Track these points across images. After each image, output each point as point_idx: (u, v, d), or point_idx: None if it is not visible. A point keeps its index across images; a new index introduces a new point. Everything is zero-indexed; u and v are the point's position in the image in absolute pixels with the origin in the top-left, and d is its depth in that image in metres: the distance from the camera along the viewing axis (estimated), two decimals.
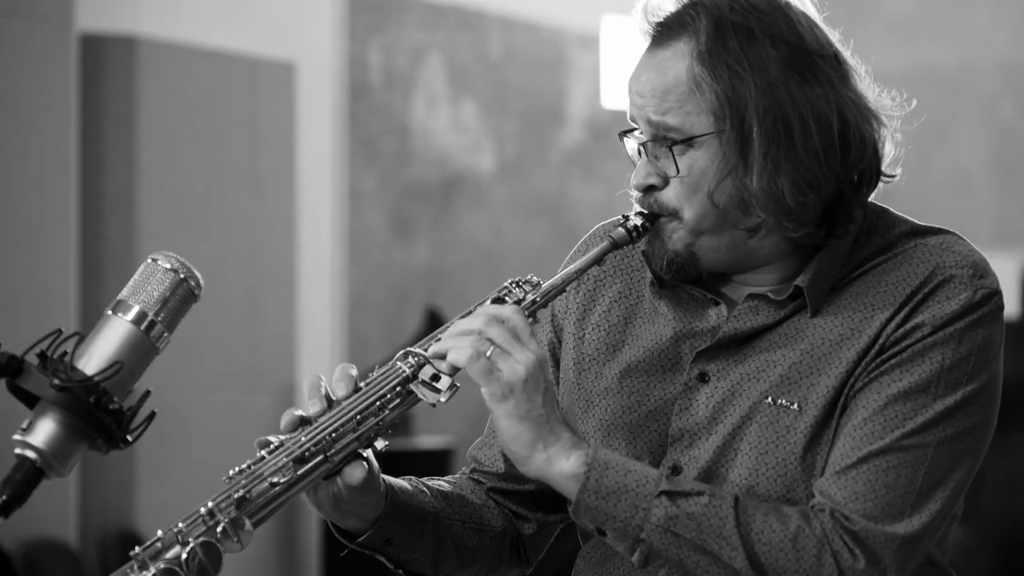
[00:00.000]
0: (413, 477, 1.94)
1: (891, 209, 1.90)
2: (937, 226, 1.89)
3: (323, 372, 1.81)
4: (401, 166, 6.64)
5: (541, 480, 1.77)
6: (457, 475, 2.04)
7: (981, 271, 1.82)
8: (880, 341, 1.80)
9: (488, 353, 1.73)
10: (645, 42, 1.85)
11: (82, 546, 5.09)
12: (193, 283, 1.63)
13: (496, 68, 7.08)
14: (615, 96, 6.09)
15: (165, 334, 1.61)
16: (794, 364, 1.82)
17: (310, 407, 1.77)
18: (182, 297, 1.62)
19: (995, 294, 1.82)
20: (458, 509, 1.95)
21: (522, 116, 7.21)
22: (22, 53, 4.83)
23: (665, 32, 1.82)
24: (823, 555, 1.72)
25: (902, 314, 1.80)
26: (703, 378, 1.86)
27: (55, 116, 4.92)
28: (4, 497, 1.53)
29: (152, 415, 1.59)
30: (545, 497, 1.99)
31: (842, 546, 1.72)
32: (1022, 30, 7.54)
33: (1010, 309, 6.59)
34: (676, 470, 1.85)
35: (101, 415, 1.55)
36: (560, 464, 1.75)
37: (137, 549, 1.64)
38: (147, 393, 1.59)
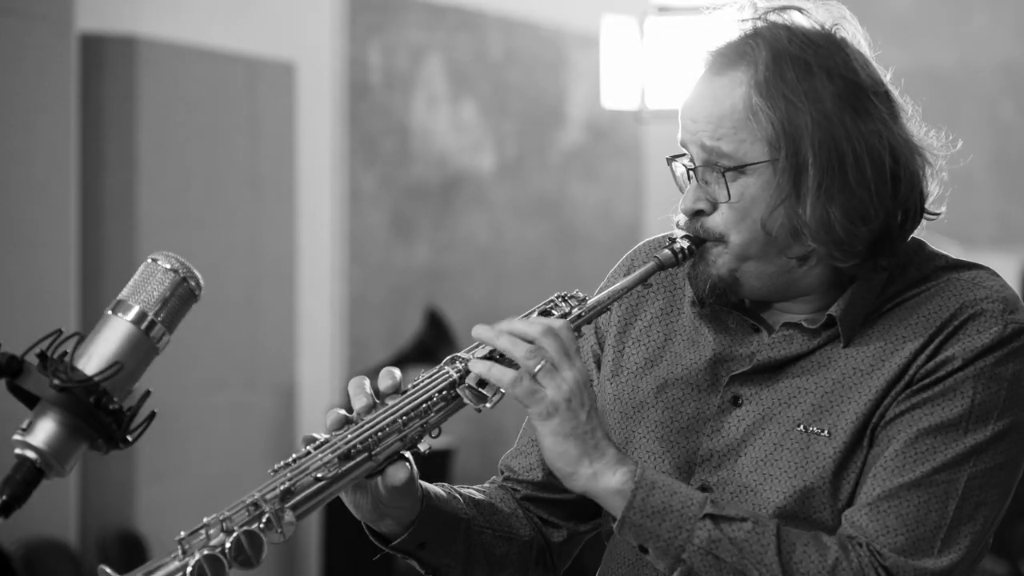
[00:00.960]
0: (446, 484, 1.97)
1: (928, 243, 1.92)
2: (972, 261, 1.91)
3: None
4: (401, 166, 6.64)
5: (586, 495, 1.79)
6: (487, 484, 2.06)
7: (1012, 306, 1.83)
8: (910, 372, 1.81)
9: (537, 368, 1.75)
10: (702, 69, 1.87)
11: (82, 546, 5.09)
12: (193, 283, 1.63)
13: (496, 68, 7.08)
14: (615, 96, 6.09)
15: (165, 334, 1.61)
16: (826, 393, 1.84)
17: (355, 403, 1.79)
18: (182, 297, 1.62)
19: None
20: (488, 517, 1.97)
21: (522, 116, 7.20)
22: (22, 53, 4.83)
23: (723, 60, 1.84)
24: None
25: (932, 346, 1.81)
26: (736, 401, 1.88)
27: (55, 116, 4.92)
28: (4, 497, 1.52)
29: (152, 415, 1.59)
30: (578, 507, 2.02)
31: None
32: (1022, 30, 7.54)
33: None
34: (704, 491, 1.86)
35: (101, 415, 1.55)
36: (606, 480, 1.77)
37: (182, 534, 1.65)
38: (147, 393, 1.59)
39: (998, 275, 1.88)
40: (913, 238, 1.90)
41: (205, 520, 1.67)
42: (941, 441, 1.78)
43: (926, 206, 1.87)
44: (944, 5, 7.62)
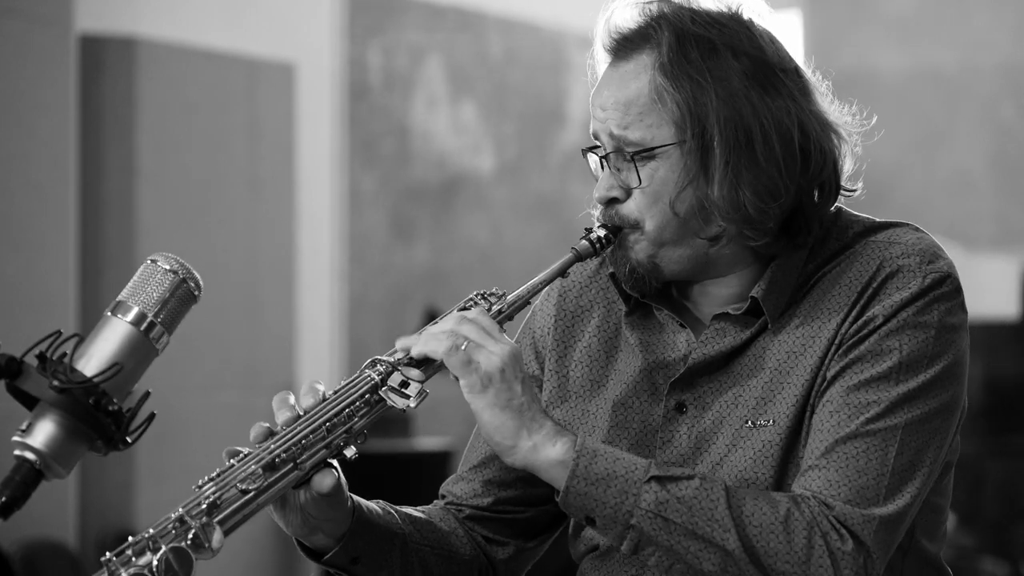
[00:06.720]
0: (382, 501, 1.93)
1: (847, 209, 1.91)
2: (889, 220, 1.89)
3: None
4: (401, 167, 6.64)
5: (527, 469, 1.75)
6: (428, 506, 2.01)
7: (930, 257, 1.83)
8: (836, 341, 1.80)
9: (463, 347, 1.73)
10: (608, 57, 1.87)
11: (81, 547, 5.09)
12: (192, 284, 1.63)
13: (496, 69, 7.08)
14: None
15: (164, 335, 1.61)
16: (766, 384, 1.83)
17: (279, 417, 1.75)
18: (181, 298, 1.62)
19: (947, 277, 1.82)
20: (426, 535, 1.93)
21: (522, 117, 7.20)
22: (22, 54, 4.83)
23: (627, 46, 1.86)
24: (813, 537, 1.71)
25: (855, 311, 1.81)
26: (681, 408, 1.86)
27: (54, 117, 4.92)
28: (3, 498, 1.52)
29: (151, 416, 1.58)
30: (525, 524, 1.99)
31: (830, 528, 1.72)
32: (1022, 30, 7.54)
33: (1010, 310, 6.60)
34: None
35: (100, 416, 1.54)
36: (547, 451, 1.73)
37: (108, 555, 1.61)
38: (146, 394, 1.59)
39: (917, 228, 1.87)
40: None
41: (130, 539, 1.63)
42: (874, 393, 1.77)
43: (842, 182, 1.85)
44: (944, 5, 7.62)
